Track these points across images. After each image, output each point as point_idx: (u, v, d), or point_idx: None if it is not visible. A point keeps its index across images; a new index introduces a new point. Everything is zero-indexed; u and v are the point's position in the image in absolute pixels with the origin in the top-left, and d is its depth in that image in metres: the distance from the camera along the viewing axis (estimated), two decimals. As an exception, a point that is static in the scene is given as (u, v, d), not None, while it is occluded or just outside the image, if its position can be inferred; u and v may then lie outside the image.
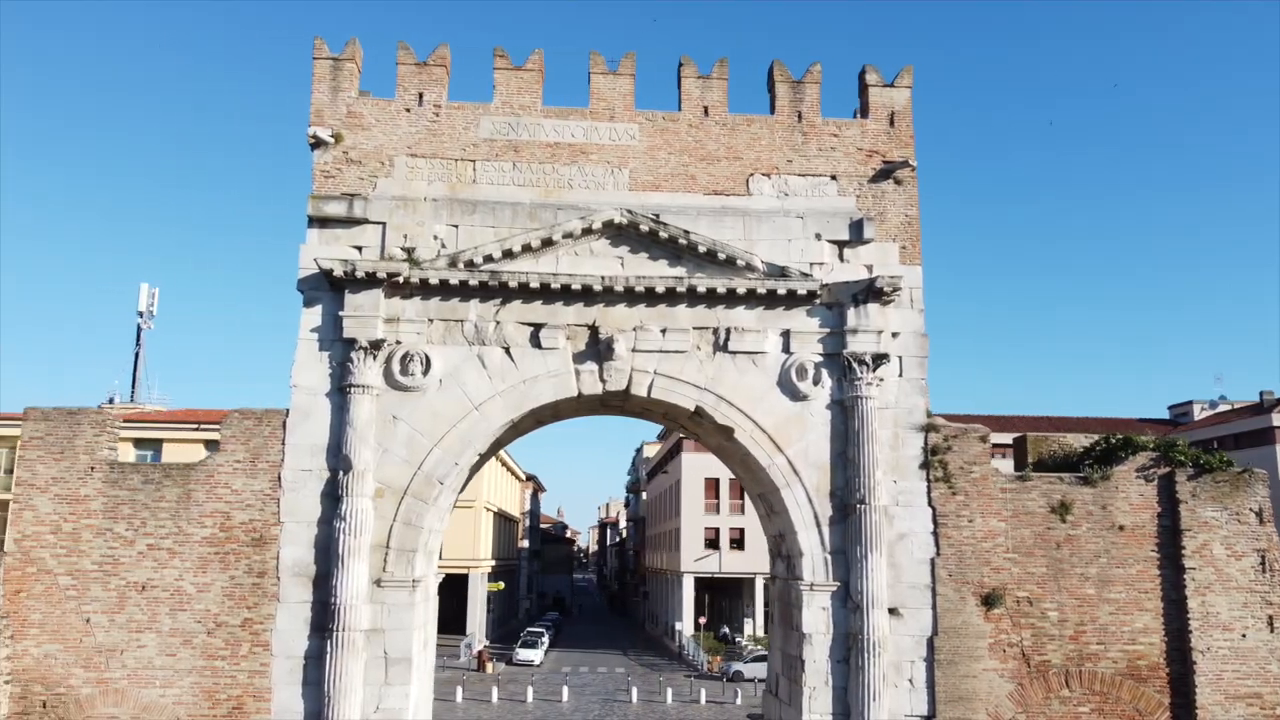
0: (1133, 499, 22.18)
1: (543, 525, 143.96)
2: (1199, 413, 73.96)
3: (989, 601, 21.63)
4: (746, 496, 67.88)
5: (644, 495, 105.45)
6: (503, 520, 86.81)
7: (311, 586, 20.86)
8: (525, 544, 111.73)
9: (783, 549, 23.45)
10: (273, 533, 21.09)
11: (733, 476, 69.52)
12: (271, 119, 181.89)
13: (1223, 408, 73.12)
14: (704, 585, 71.44)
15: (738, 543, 69.42)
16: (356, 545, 20.66)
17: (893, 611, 21.41)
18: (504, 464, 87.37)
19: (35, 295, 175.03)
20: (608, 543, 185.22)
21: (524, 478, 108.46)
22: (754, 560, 68.88)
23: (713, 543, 69.27)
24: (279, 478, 21.26)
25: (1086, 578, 21.87)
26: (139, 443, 66.12)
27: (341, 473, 20.91)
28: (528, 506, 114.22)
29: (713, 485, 69.89)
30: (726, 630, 69.15)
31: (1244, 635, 21.40)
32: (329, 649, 20.27)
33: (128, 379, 77.16)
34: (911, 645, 21.48)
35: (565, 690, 47.25)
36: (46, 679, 20.51)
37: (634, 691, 47.22)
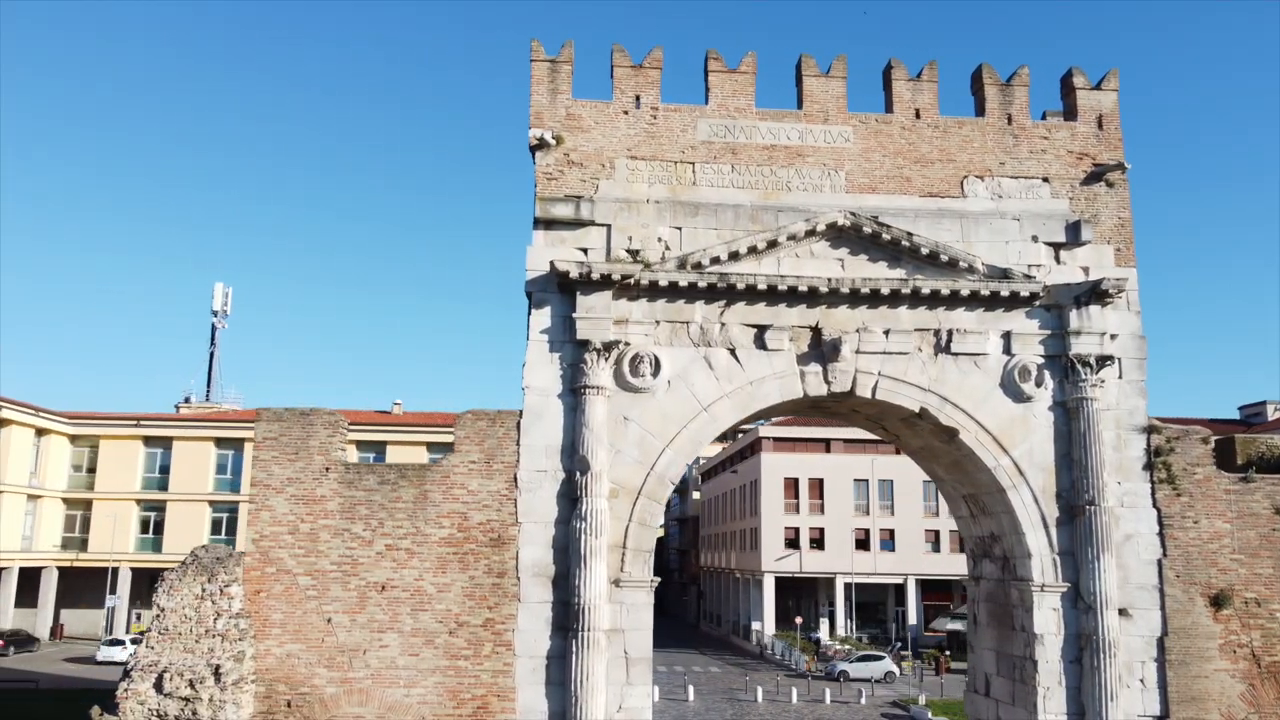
0: (1357, 500, 22.23)
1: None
2: (1272, 413, 73.84)
3: (1217, 602, 21.70)
4: (826, 496, 68.41)
5: (695, 495, 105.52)
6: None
7: (551, 587, 21.00)
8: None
9: (995, 550, 23.53)
10: (510, 533, 21.23)
11: (812, 477, 70.02)
12: (290, 118, 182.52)
13: (1298, 408, 72.97)
14: (777, 585, 71.52)
15: (817, 542, 69.55)
16: (596, 545, 20.78)
17: (1122, 612, 21.48)
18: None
19: (108, 294, 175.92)
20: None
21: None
22: (834, 560, 69.16)
23: (792, 542, 69.39)
24: (514, 478, 21.40)
25: (1313, 579, 21.93)
26: (220, 442, 66.63)
27: (579, 474, 21.04)
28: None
29: (792, 485, 70.04)
30: (814, 631, 69.27)
31: None
32: (574, 649, 20.40)
33: (203, 378, 77.60)
34: (1141, 646, 21.56)
35: (691, 689, 47.33)
36: (290, 679, 20.68)
37: (759, 691, 47.33)
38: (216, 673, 19.98)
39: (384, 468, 22.10)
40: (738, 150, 23.06)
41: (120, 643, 55.06)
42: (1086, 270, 22.87)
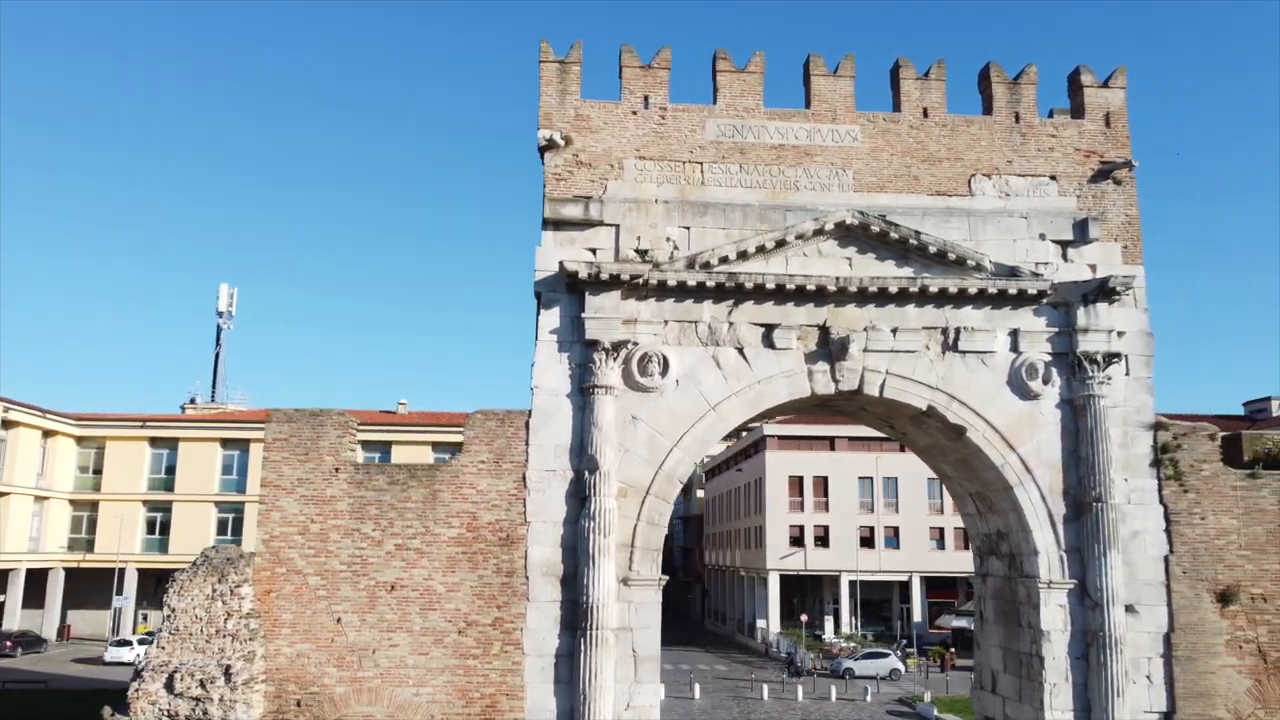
0: (1364, 497, 22.27)
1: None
2: (1277, 409, 73.81)
3: (1224, 598, 21.75)
4: (831, 494, 68.45)
5: (699, 494, 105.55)
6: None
7: (560, 585, 21.07)
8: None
9: (1002, 548, 23.58)
10: (520, 532, 21.31)
11: (817, 475, 70.05)
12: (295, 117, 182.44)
13: (1302, 404, 72.93)
14: (782, 582, 71.55)
15: (822, 540, 69.59)
16: (605, 544, 20.85)
17: (1129, 609, 21.53)
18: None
19: (114, 296, 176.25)
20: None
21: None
22: (839, 557, 69.19)
23: (797, 540, 69.43)
24: (523, 478, 21.47)
25: (1320, 576, 21.97)
26: (225, 443, 66.74)
27: (587, 473, 21.10)
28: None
29: (796, 483, 70.09)
30: (816, 629, 69.32)
31: None
32: (582, 647, 20.46)
33: (208, 379, 77.69)
34: (1148, 642, 21.60)
35: (697, 688, 47.41)
36: (300, 678, 20.76)
37: (765, 690, 47.42)
38: (227, 673, 20.06)
39: (394, 468, 22.18)
40: (746, 150, 23.11)
41: (128, 643, 55.21)
42: (1094, 268, 22.90)
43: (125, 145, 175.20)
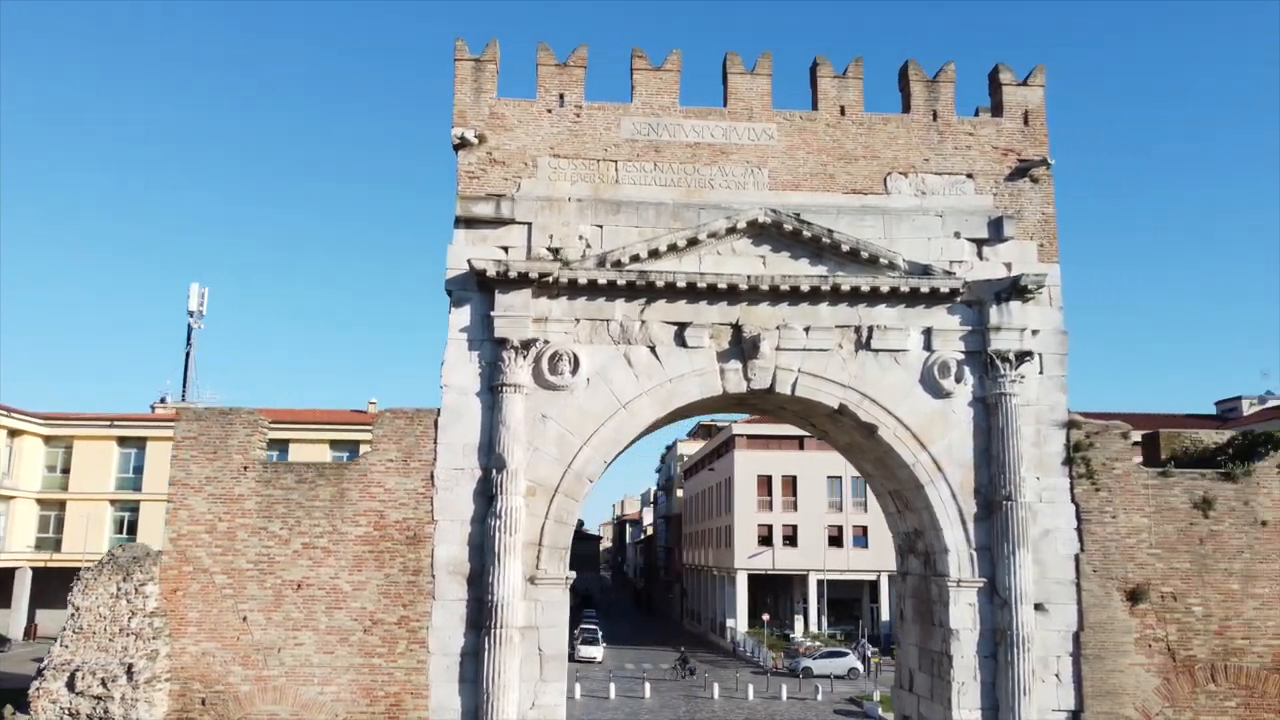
0: (1275, 494, 22.30)
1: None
2: (1248, 408, 73.88)
3: (1134, 597, 21.74)
4: (799, 493, 68.47)
5: (679, 493, 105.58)
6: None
7: (466, 584, 21.03)
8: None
9: (919, 546, 23.57)
10: (427, 531, 21.27)
11: (785, 474, 70.05)
12: (294, 115, 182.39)
13: (1271, 403, 73.01)
14: (753, 582, 71.58)
15: (790, 539, 69.59)
16: (511, 543, 20.82)
17: (1038, 607, 21.52)
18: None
19: (86, 296, 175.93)
20: (626, 540, 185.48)
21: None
22: (807, 557, 69.18)
23: (765, 539, 69.45)
24: (431, 476, 21.43)
25: (1230, 573, 21.98)
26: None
27: (495, 471, 21.07)
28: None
29: (765, 482, 70.11)
30: (786, 628, 69.35)
31: (1393, 631, 21.48)
32: (486, 646, 20.43)
33: (179, 379, 77.42)
34: (1057, 640, 21.59)
35: (648, 687, 47.39)
36: (205, 677, 20.70)
37: (715, 689, 47.41)
38: (129, 671, 20.01)
39: (302, 466, 22.12)
40: (661, 148, 23.08)
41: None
42: (1009, 266, 22.87)
43: (98, 143, 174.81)
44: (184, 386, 72.45)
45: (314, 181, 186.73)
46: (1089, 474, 22.18)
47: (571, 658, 61.57)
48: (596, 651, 62.68)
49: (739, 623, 68.73)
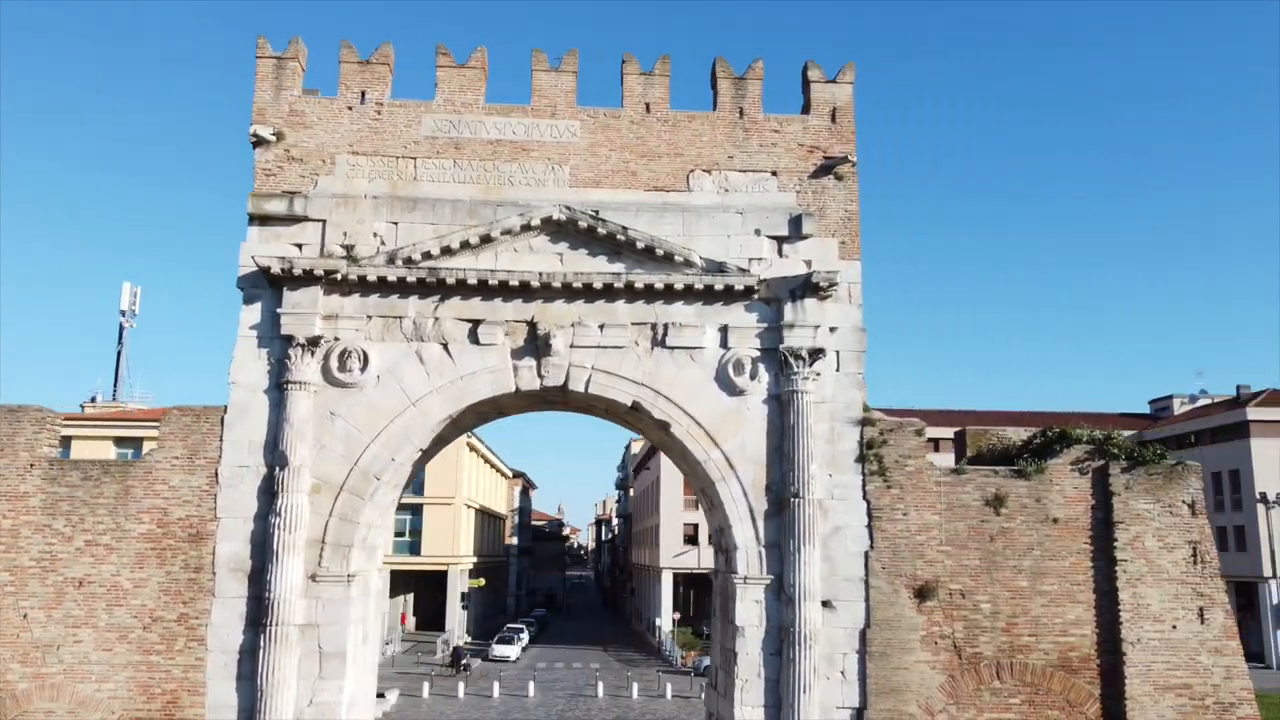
0: (1067, 492, 22.34)
1: (535, 522, 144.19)
2: (1179, 407, 74.14)
3: (922, 594, 21.77)
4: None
5: (631, 492, 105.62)
6: (486, 517, 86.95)
7: (247, 582, 21.00)
8: (515, 540, 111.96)
9: (722, 543, 23.60)
10: (209, 529, 21.24)
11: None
12: (219, 115, 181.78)
13: (1203, 402, 73.33)
14: (687, 581, 71.59)
15: (716, 539, 69.49)
16: (291, 541, 20.80)
17: (826, 604, 21.54)
18: (488, 461, 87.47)
19: (15, 294, 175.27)
20: (602, 539, 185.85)
21: (511, 475, 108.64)
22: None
23: (691, 539, 69.41)
24: (216, 474, 21.40)
25: (1020, 570, 22.02)
26: (120, 441, 66.44)
27: (278, 469, 21.05)
28: (516, 504, 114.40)
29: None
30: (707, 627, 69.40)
31: (1174, 626, 21.55)
32: (263, 643, 20.41)
33: (110, 377, 77.19)
34: (844, 638, 21.61)
35: (532, 686, 47.42)
36: (-16, 674, 20.64)
37: (600, 686, 47.44)
38: (-101, 669, 19.92)
39: (88, 463, 22.08)
40: (462, 145, 23.07)
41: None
42: (809, 264, 22.86)
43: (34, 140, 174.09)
44: (115, 385, 72.09)
45: (139, 181, 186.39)
46: (881, 471, 22.20)
47: (486, 657, 61.63)
48: (511, 651, 62.68)
49: (664, 621, 68.72)
